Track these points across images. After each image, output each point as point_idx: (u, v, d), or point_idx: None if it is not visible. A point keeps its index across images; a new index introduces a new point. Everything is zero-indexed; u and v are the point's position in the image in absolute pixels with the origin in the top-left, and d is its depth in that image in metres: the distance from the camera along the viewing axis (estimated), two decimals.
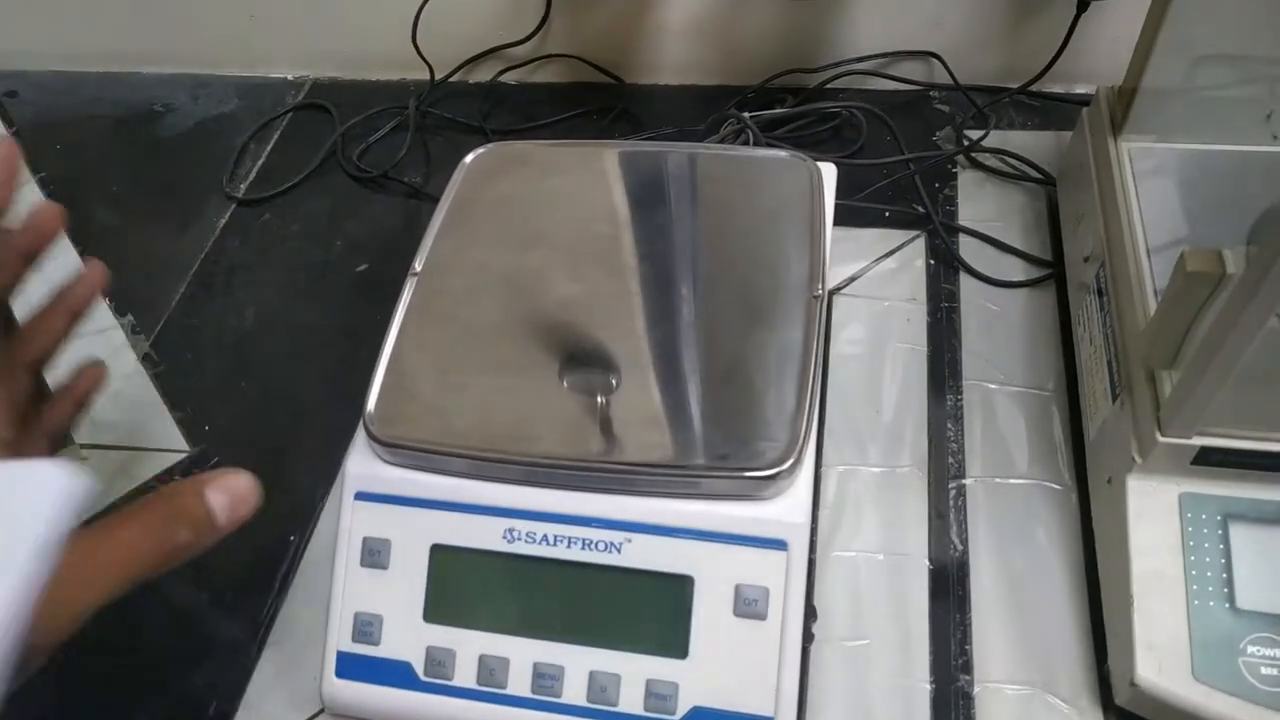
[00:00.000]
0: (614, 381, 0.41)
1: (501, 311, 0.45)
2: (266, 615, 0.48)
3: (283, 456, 0.54)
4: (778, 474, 0.38)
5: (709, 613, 0.39)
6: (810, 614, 0.44)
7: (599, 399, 0.41)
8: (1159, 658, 0.38)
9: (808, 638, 0.41)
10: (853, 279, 0.58)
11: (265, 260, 0.65)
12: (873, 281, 0.57)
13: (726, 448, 0.39)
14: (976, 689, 0.42)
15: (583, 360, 0.42)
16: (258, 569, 0.50)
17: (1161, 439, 0.39)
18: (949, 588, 0.45)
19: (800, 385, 0.40)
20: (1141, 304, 0.43)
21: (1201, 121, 0.49)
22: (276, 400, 0.57)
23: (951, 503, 0.48)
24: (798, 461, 0.38)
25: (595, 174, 0.50)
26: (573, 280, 0.45)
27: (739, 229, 0.46)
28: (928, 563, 0.46)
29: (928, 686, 0.43)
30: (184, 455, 0.55)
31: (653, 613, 0.39)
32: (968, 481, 0.49)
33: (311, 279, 0.63)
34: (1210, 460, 0.39)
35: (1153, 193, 0.47)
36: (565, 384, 0.42)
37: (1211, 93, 0.49)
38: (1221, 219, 0.46)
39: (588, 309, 0.44)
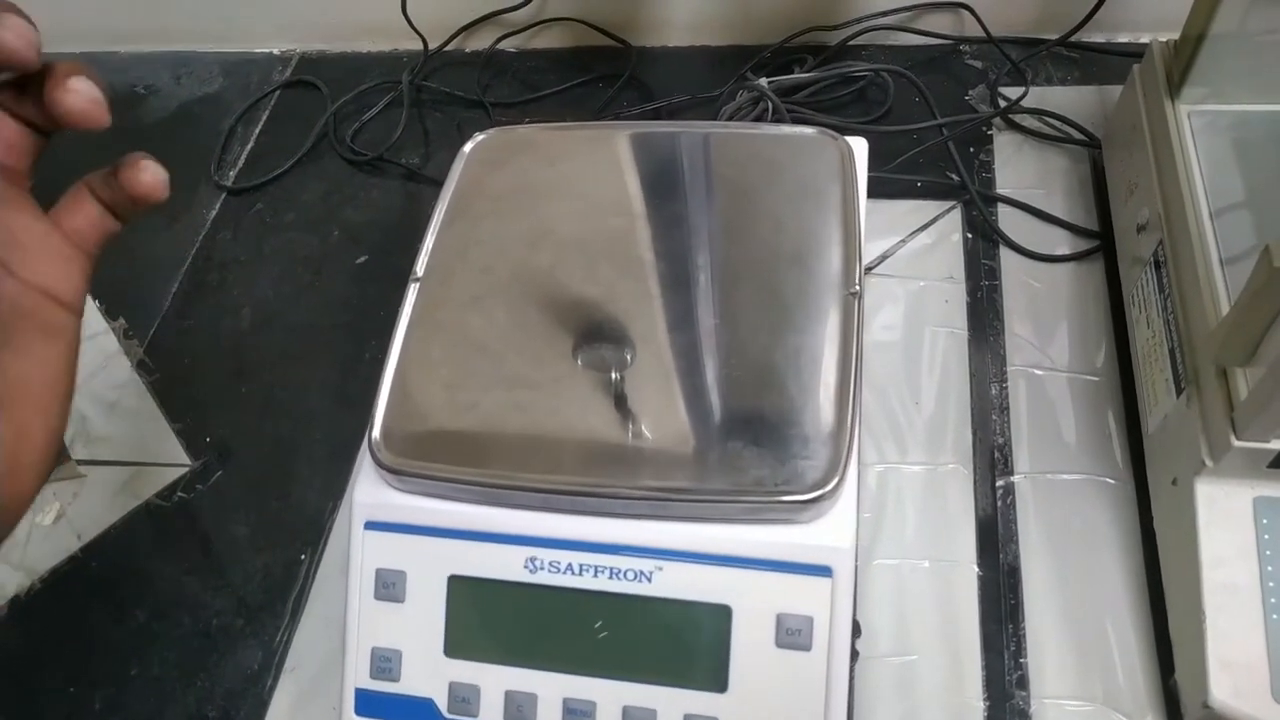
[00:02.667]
0: (639, 397, 0.38)
1: (512, 319, 0.41)
2: (281, 641, 0.46)
3: (288, 469, 0.52)
4: (820, 496, 0.35)
5: (749, 644, 0.36)
6: (854, 630, 0.41)
7: (623, 416, 0.38)
8: (1235, 677, 0.35)
9: (852, 656, 0.39)
10: (884, 257, 0.54)
11: (259, 254, 0.61)
12: (906, 259, 0.54)
13: (763, 468, 0.36)
14: (1034, 705, 0.40)
15: (604, 373, 0.39)
16: (270, 592, 0.48)
17: (1237, 443, 0.36)
18: (1000, 595, 0.43)
19: (840, 396, 0.37)
20: (1209, 289, 0.39)
21: (1275, 79, 0.44)
22: (278, 407, 0.54)
23: (999, 502, 0.45)
24: (841, 481, 0.35)
25: (606, 160, 0.47)
26: (588, 283, 0.42)
27: (765, 219, 0.43)
28: (976, 569, 0.43)
29: (981, 704, 0.40)
30: (186, 469, 0.53)
31: (688, 644, 0.37)
32: (1016, 478, 0.46)
33: (309, 273, 0.60)
34: None
35: (1217, 162, 0.43)
36: (586, 399, 0.38)
37: None
38: None
39: (606, 316, 0.40)
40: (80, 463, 0.54)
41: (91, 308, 0.59)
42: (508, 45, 0.70)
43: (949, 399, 0.48)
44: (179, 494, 0.52)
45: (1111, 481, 0.45)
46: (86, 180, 0.30)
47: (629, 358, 0.39)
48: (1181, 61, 0.46)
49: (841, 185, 0.43)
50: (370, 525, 0.39)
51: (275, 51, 0.74)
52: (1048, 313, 0.51)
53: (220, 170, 0.66)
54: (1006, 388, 0.48)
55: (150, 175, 0.30)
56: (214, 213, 0.64)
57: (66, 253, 0.29)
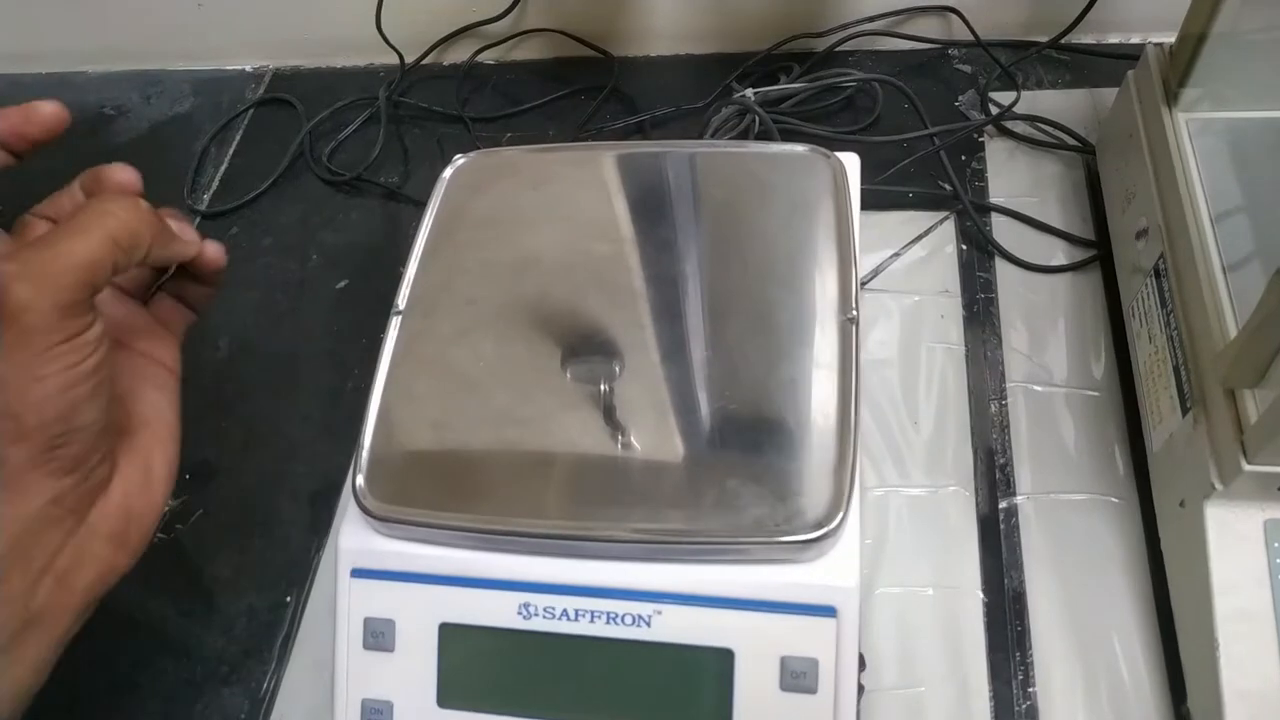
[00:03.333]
0: (633, 434, 0.37)
1: (499, 354, 0.40)
2: (268, 688, 0.45)
3: (271, 506, 0.50)
4: (822, 536, 0.34)
5: (752, 688, 0.35)
6: (859, 664, 0.40)
7: (617, 454, 0.37)
8: (1251, 708, 0.35)
9: (857, 691, 0.38)
10: (877, 271, 0.53)
11: (236, 280, 0.60)
12: (900, 273, 0.53)
13: (762, 508, 0.34)
14: None
15: (595, 410, 0.38)
16: (255, 636, 0.46)
17: (1248, 466, 0.35)
18: (1006, 622, 0.42)
19: (840, 428, 0.36)
20: (1214, 306, 0.38)
21: (1275, 85, 0.43)
22: (259, 441, 0.53)
23: (1002, 524, 0.44)
24: (844, 518, 0.34)
25: (591, 183, 0.45)
26: (576, 316, 0.40)
27: (758, 244, 0.41)
28: (981, 595, 0.42)
29: None
30: (165, 509, 0.51)
31: (690, 689, 0.35)
32: (1019, 499, 0.45)
33: (288, 300, 0.58)
34: None
35: (1217, 171, 0.42)
36: (577, 438, 0.37)
37: None
38: None
39: (596, 350, 0.39)
40: None
41: None
42: (487, 58, 0.68)
43: (948, 418, 0.47)
44: (158, 534, 0.50)
45: (1116, 500, 0.44)
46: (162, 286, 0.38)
47: (621, 394, 0.38)
48: (1179, 67, 0.45)
49: (835, 205, 0.42)
50: (357, 573, 0.38)
51: (248, 68, 0.72)
52: (1046, 325, 0.50)
53: (194, 194, 0.65)
54: (1006, 404, 0.47)
55: (214, 250, 0.37)
56: None
57: (164, 335, 0.38)
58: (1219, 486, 0.36)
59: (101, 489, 0.32)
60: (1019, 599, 0.42)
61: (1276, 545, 0.36)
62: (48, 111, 0.34)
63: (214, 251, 0.37)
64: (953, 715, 0.40)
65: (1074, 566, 0.42)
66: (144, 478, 0.34)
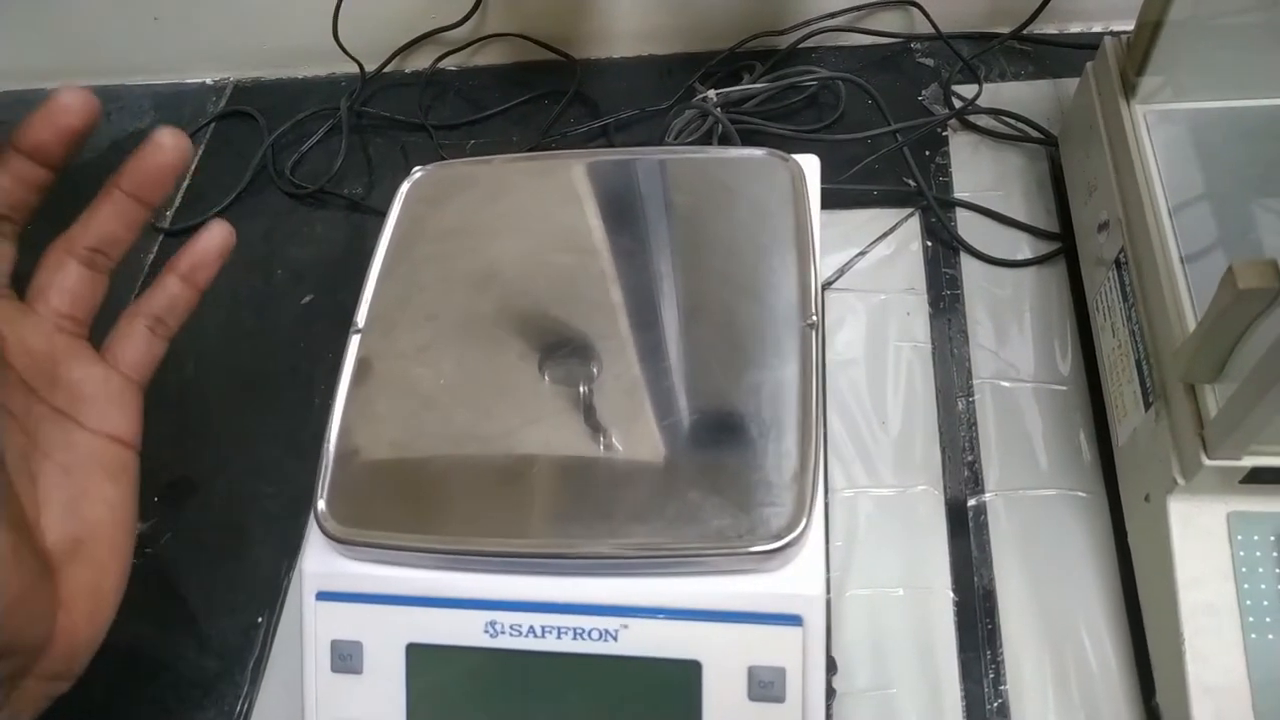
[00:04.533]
0: (596, 449, 0.37)
1: (460, 371, 0.40)
2: (241, 711, 0.44)
3: (240, 526, 0.50)
4: (786, 545, 0.33)
5: (720, 699, 0.35)
6: (829, 667, 0.40)
7: (579, 470, 0.36)
8: (1217, 702, 0.35)
9: (829, 694, 0.38)
10: (843, 271, 0.53)
11: (200, 298, 0.59)
12: (866, 272, 0.52)
13: (725, 518, 0.34)
14: None
15: (556, 424, 0.38)
16: (227, 658, 0.46)
17: (1208, 461, 0.35)
18: (977, 621, 0.42)
19: (802, 435, 0.35)
20: (1173, 301, 0.38)
21: (1236, 74, 0.43)
22: (227, 461, 0.52)
23: (971, 522, 0.44)
24: (807, 525, 0.34)
25: (550, 193, 0.45)
26: (537, 330, 0.40)
27: (717, 251, 0.41)
28: (951, 594, 0.42)
29: None
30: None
31: (658, 702, 0.35)
32: (987, 497, 0.45)
33: (253, 316, 0.58)
34: (1262, 479, 0.35)
35: (1175, 162, 0.42)
36: (539, 454, 0.37)
37: (1249, 36, 0.43)
38: (1262, 188, 0.41)
39: (557, 365, 0.39)
40: None
41: None
42: (448, 64, 0.68)
43: (916, 417, 0.47)
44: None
45: (1084, 495, 0.44)
46: (136, 309, 0.34)
47: (583, 408, 0.38)
48: (1136, 57, 0.45)
49: (794, 209, 0.41)
50: (322, 596, 0.37)
51: (208, 81, 0.71)
52: (1012, 320, 0.50)
53: (157, 211, 0.64)
54: (973, 402, 0.47)
55: (220, 232, 0.33)
56: (151, 256, 0.62)
57: (125, 391, 0.32)
58: (1181, 481, 0.36)
59: (40, 654, 0.29)
60: (989, 597, 0.42)
61: (1240, 539, 0.36)
62: (70, 100, 0.30)
63: (213, 235, 0.33)
64: (925, 715, 0.40)
65: (1043, 563, 0.43)
66: (92, 603, 0.30)
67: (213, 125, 0.68)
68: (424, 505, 0.37)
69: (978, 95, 0.56)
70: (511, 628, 0.36)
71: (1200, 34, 0.44)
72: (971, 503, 0.45)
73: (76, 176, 0.71)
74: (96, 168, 0.67)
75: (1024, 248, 0.52)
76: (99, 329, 0.34)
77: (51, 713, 0.45)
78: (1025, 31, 0.59)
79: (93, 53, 0.70)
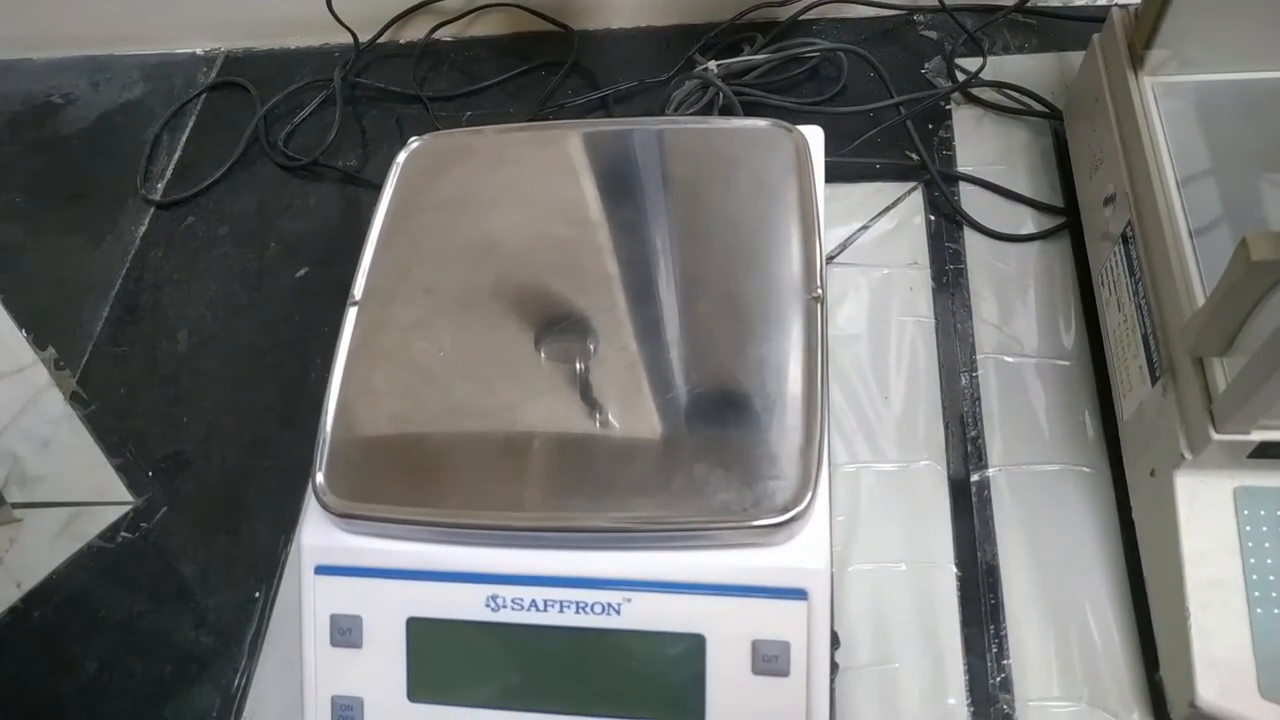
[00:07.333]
0: (598, 422, 0.36)
1: (459, 343, 0.39)
2: (239, 686, 0.44)
3: (237, 501, 0.49)
4: (791, 518, 0.33)
5: (725, 673, 0.34)
6: (833, 642, 0.40)
7: (582, 442, 0.36)
8: (1221, 676, 0.35)
9: (832, 669, 0.37)
10: (846, 245, 0.52)
11: (193, 272, 0.58)
12: (869, 246, 0.52)
13: (730, 492, 0.34)
14: (1018, 708, 0.39)
15: (558, 397, 0.37)
16: (224, 634, 0.45)
17: (1216, 435, 0.34)
18: (980, 596, 0.42)
19: (807, 409, 0.35)
20: (1182, 275, 0.38)
21: (1245, 46, 0.43)
22: (222, 435, 0.52)
23: (975, 497, 0.44)
24: (812, 500, 0.34)
25: (549, 163, 0.44)
26: (537, 302, 0.39)
27: (721, 223, 0.41)
28: (955, 569, 0.42)
29: (966, 709, 0.39)
30: (129, 507, 0.50)
31: (662, 676, 0.35)
32: (990, 471, 0.44)
33: (247, 290, 0.57)
34: (1270, 453, 0.35)
35: (1183, 135, 0.42)
36: (541, 426, 0.36)
37: (1259, 8, 0.43)
38: (1272, 162, 0.40)
39: (558, 337, 0.38)
40: (16, 506, 0.51)
41: (19, 338, 0.56)
42: (444, 35, 0.66)
43: (919, 392, 0.47)
44: (123, 534, 0.49)
45: (1087, 470, 0.44)
46: None
47: (585, 381, 0.37)
48: (1144, 29, 0.44)
49: (798, 181, 0.41)
50: (321, 570, 0.37)
51: (199, 51, 0.70)
52: (1015, 295, 0.49)
53: (147, 183, 0.63)
54: (977, 376, 0.47)
55: None
56: (143, 229, 0.61)
57: None
58: (1188, 456, 0.36)
59: None
60: (992, 572, 0.42)
61: (1245, 513, 0.36)
62: None
63: None
64: (928, 689, 0.40)
65: (1046, 538, 0.42)
66: None
67: (204, 96, 0.67)
68: (424, 478, 0.36)
69: (981, 68, 0.55)
70: (513, 601, 0.35)
71: (1210, 5, 0.44)
72: (975, 478, 0.44)
73: (65, 148, 0.70)
74: (84, 139, 0.67)
75: (1028, 222, 0.52)
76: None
77: (51, 686, 0.45)
78: (1030, 4, 0.59)
79: (80, 22, 0.69)
